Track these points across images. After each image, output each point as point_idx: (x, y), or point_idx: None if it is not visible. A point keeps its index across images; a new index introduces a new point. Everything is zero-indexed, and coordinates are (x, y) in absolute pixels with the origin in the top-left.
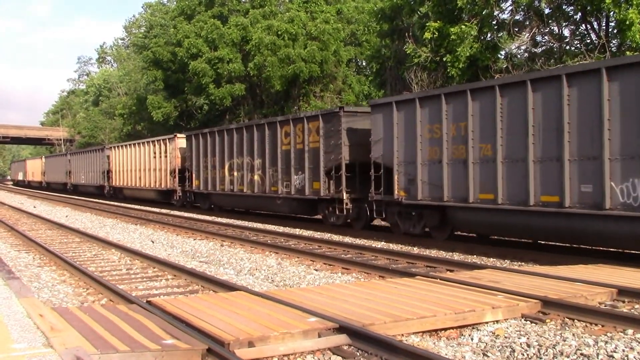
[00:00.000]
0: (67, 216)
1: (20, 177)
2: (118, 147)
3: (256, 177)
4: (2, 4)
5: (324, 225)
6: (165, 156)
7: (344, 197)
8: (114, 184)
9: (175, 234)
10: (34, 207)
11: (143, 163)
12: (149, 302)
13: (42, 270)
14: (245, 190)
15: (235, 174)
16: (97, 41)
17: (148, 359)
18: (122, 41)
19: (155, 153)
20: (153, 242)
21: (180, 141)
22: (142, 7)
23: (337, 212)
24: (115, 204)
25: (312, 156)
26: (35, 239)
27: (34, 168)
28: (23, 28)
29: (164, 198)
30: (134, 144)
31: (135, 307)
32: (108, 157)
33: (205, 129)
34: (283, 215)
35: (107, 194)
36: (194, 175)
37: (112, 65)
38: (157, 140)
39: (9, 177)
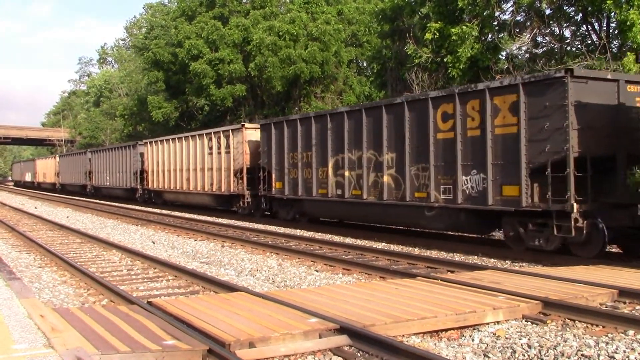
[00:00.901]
0: (68, 217)
1: (27, 177)
2: (156, 142)
3: (386, 179)
4: (3, 5)
5: (515, 252)
6: (227, 152)
7: (572, 209)
8: (149, 186)
9: (176, 234)
10: (35, 207)
11: (193, 161)
12: (149, 303)
13: (43, 270)
14: (365, 197)
15: (347, 173)
16: (98, 42)
17: None
18: (122, 42)
19: (211, 148)
20: (154, 242)
21: (250, 133)
22: (143, 7)
23: (557, 232)
24: (153, 210)
25: (501, 147)
26: (36, 240)
27: (46, 168)
28: (24, 29)
29: (222, 204)
30: (179, 139)
31: (136, 307)
32: (142, 154)
33: (294, 115)
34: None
35: (139, 198)
36: (274, 176)
37: (113, 66)
38: (214, 133)
39: (9, 178)
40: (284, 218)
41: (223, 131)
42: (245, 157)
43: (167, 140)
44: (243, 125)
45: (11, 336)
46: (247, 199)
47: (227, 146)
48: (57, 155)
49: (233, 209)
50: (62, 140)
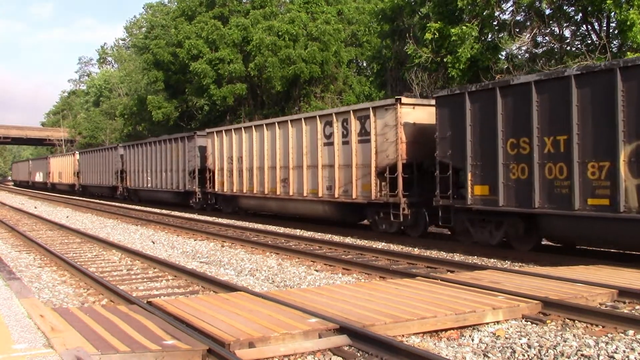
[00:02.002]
0: (67, 217)
1: (38, 177)
2: (227, 131)
3: None
4: (3, 5)
5: None
6: (365, 140)
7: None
8: (216, 189)
9: (175, 234)
10: (35, 207)
11: (295, 155)
12: (149, 303)
13: (43, 270)
14: None
15: None
16: (98, 42)
17: None
18: (122, 42)
19: (330, 136)
20: (154, 242)
21: (407, 111)
22: (143, 7)
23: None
24: (223, 220)
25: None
26: (36, 240)
27: (62, 167)
28: (24, 29)
29: (351, 215)
30: (268, 125)
31: (136, 307)
32: (202, 148)
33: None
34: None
35: (196, 205)
36: (470, 177)
37: (112, 66)
38: (337, 114)
39: (9, 178)
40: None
41: (356, 111)
42: (400, 147)
43: (247, 127)
44: (398, 100)
45: (11, 336)
46: (404, 209)
47: (364, 132)
48: (77, 152)
49: (382, 226)
50: (61, 140)
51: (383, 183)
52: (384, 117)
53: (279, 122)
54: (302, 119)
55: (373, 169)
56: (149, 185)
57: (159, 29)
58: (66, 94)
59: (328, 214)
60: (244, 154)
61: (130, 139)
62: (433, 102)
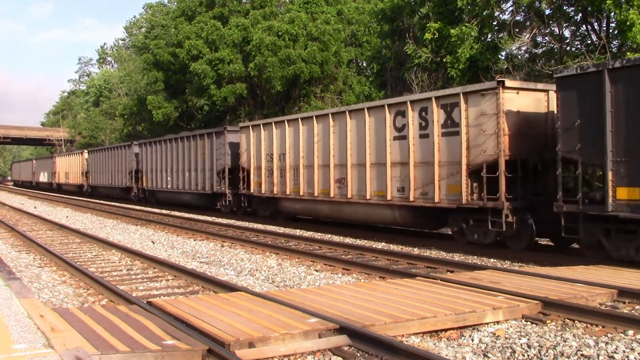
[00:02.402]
0: (67, 217)
1: (42, 178)
2: (279, 123)
3: None
4: (3, 5)
5: None
6: (453, 132)
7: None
8: (254, 190)
9: (175, 234)
10: (35, 207)
11: (321, 152)
12: (149, 303)
13: (43, 270)
14: None
15: None
16: (97, 42)
17: None
18: (122, 42)
19: (402, 128)
20: (153, 242)
21: (511, 97)
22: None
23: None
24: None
25: None
26: (35, 240)
27: (69, 166)
28: (24, 29)
29: (429, 223)
30: (320, 117)
31: (136, 307)
32: (235, 145)
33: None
34: None
35: (224, 209)
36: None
37: (112, 66)
38: (413, 103)
39: (9, 178)
40: None
41: (439, 97)
42: (502, 141)
43: (292, 121)
44: (500, 84)
45: (11, 336)
46: (507, 216)
47: (451, 122)
48: (86, 151)
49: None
50: (61, 140)
51: (476, 184)
52: (479, 104)
53: (333, 114)
54: (365, 109)
55: (464, 167)
56: (169, 186)
57: (159, 29)
58: (66, 94)
59: (398, 219)
60: (287, 151)
61: (130, 138)
62: (540, 85)
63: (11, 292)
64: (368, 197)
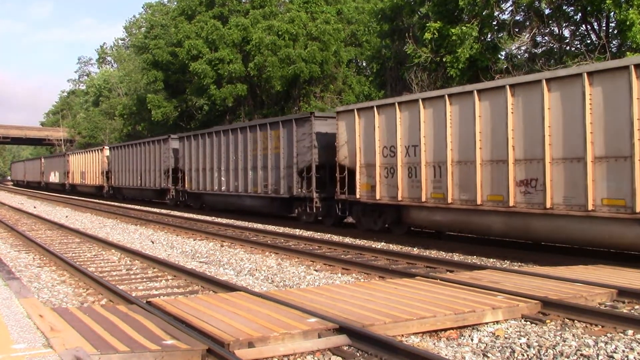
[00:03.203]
0: (67, 216)
1: (53, 178)
2: (375, 108)
3: None
4: (3, 5)
5: None
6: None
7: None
8: (362, 195)
9: (175, 234)
10: (34, 207)
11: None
12: (148, 303)
13: (42, 270)
14: None
15: None
16: (97, 42)
17: None
18: (122, 42)
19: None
20: (153, 242)
21: None
22: (142, 7)
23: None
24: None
25: None
26: (35, 239)
27: (86, 165)
28: (24, 29)
29: None
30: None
31: (135, 307)
32: (324, 137)
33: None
34: None
35: (307, 217)
36: None
37: (112, 65)
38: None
39: (9, 178)
40: None
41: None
42: None
43: (434, 99)
44: None
45: (10, 336)
46: None
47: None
48: (107, 147)
49: None
50: (61, 140)
51: None
52: None
53: (513, 86)
54: (584, 75)
55: None
56: (223, 188)
57: (159, 28)
58: (65, 93)
59: None
60: (422, 141)
61: (129, 138)
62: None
63: (10, 292)
64: (590, 207)
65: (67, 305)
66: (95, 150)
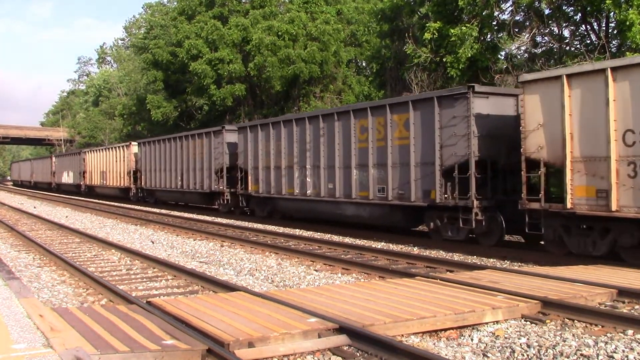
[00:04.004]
0: (67, 217)
1: (66, 178)
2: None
3: None
4: (3, 5)
5: None
6: None
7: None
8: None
9: (175, 234)
10: (34, 207)
11: None
12: (148, 303)
13: (42, 270)
14: None
15: None
16: (97, 42)
17: None
18: (122, 42)
19: None
20: (153, 242)
21: None
22: (142, 7)
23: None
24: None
25: None
26: (35, 239)
27: (107, 164)
28: (24, 29)
29: None
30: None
31: (135, 307)
32: (485, 119)
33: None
34: None
35: (454, 234)
36: None
37: (112, 65)
38: None
39: (8, 178)
40: None
41: None
42: None
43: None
44: None
45: (10, 336)
46: None
47: None
48: (133, 143)
49: None
50: (61, 140)
51: None
52: None
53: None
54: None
55: None
56: (309, 192)
57: (158, 29)
58: (65, 93)
59: None
60: None
61: (129, 138)
62: None
63: (10, 292)
64: None
65: (67, 305)
66: (119, 147)
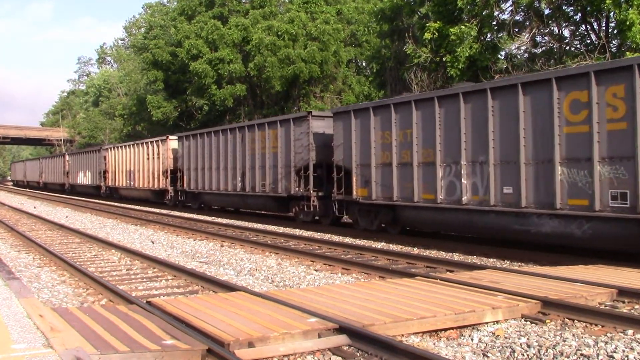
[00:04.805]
0: (67, 217)
1: (82, 179)
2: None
3: None
4: (3, 5)
5: None
6: None
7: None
8: None
9: (175, 234)
10: (34, 207)
11: None
12: (149, 303)
13: (42, 270)
14: None
15: None
16: (97, 42)
17: None
18: (122, 42)
19: None
20: (153, 242)
21: None
22: (142, 7)
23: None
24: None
25: None
26: (35, 240)
27: (135, 163)
28: (24, 29)
29: None
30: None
31: (135, 307)
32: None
33: None
34: None
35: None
36: None
37: (112, 65)
38: None
39: (9, 178)
40: None
41: None
42: None
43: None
44: None
45: (10, 336)
46: None
47: None
48: (173, 137)
49: None
50: (61, 140)
51: None
52: None
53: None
54: None
55: None
56: (466, 198)
57: (158, 29)
58: (65, 94)
59: None
60: None
61: (130, 139)
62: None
63: (10, 292)
64: None
65: (67, 305)
66: (152, 142)
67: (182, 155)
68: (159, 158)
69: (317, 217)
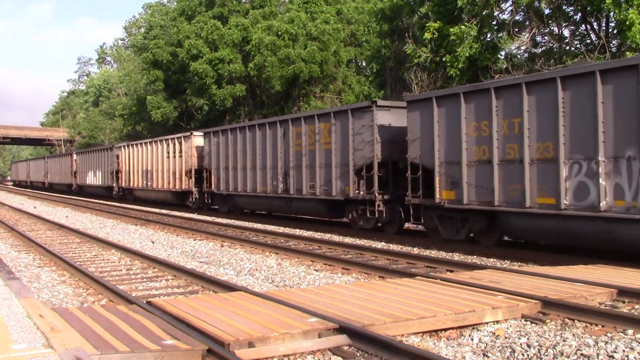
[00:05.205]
0: (67, 217)
1: (92, 179)
2: None
3: None
4: (3, 5)
5: None
6: None
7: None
8: None
9: (175, 234)
10: (34, 207)
11: None
12: (149, 303)
13: (42, 270)
14: None
15: None
16: (97, 42)
17: None
18: (122, 42)
19: None
20: (153, 242)
21: None
22: (142, 7)
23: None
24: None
25: None
26: (35, 240)
27: (152, 161)
28: (24, 29)
29: None
30: None
31: (135, 307)
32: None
33: None
34: None
35: None
36: None
37: (112, 65)
38: None
39: (9, 178)
40: None
41: None
42: None
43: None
44: None
45: (10, 336)
46: None
47: None
48: (198, 133)
49: None
50: (61, 140)
51: None
52: None
53: None
54: None
55: None
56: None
57: (158, 29)
58: (65, 94)
59: None
60: None
61: (129, 139)
62: None
63: (11, 292)
64: None
65: (67, 305)
66: (173, 139)
67: (209, 152)
68: (181, 156)
69: (379, 224)
